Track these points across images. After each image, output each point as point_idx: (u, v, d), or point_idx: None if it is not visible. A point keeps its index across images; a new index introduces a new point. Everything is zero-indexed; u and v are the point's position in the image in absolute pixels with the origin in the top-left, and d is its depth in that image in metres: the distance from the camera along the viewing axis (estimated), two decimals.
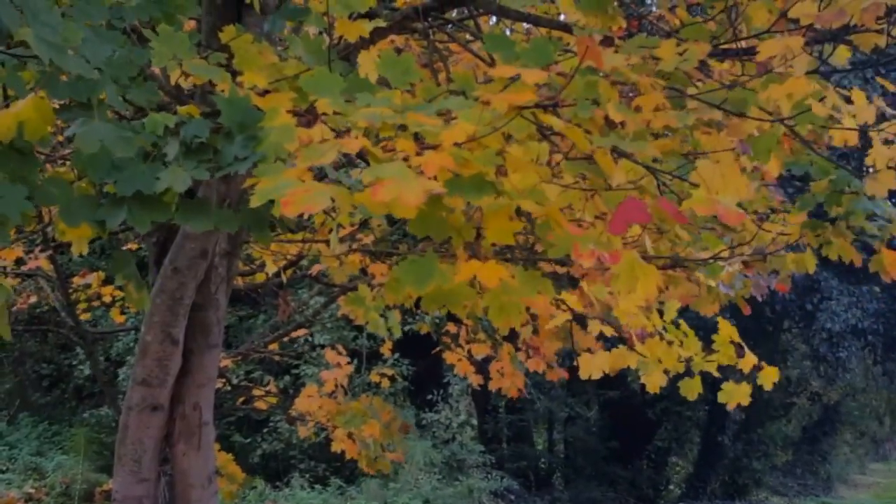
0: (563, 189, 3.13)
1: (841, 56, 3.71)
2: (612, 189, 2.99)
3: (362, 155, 3.16)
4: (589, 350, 5.44)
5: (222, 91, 2.60)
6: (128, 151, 2.32)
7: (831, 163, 4.68)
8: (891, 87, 4.26)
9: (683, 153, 3.33)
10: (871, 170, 4.13)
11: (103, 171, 2.33)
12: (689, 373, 5.45)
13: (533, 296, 2.75)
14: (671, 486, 26.75)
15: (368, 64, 3.31)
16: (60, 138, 6.95)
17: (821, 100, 3.50)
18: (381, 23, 3.71)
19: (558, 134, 2.98)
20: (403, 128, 2.27)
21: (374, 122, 2.18)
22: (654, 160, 3.17)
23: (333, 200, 2.15)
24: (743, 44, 3.61)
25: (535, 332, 6.95)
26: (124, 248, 8.05)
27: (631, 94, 3.11)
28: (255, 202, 2.15)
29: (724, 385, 5.33)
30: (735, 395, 5.29)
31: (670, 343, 5.36)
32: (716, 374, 5.41)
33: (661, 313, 5.48)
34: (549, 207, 2.49)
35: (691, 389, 5.44)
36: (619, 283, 3.19)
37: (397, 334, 6.83)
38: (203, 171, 2.32)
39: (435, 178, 2.19)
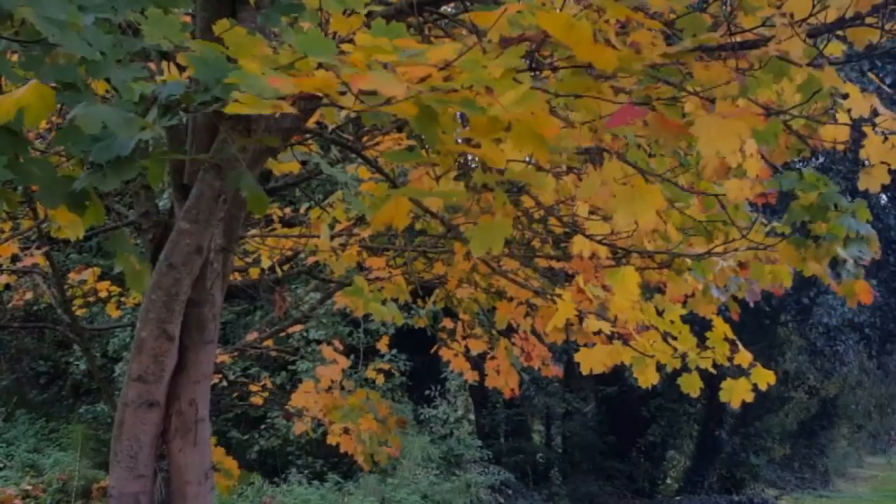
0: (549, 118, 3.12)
1: (834, 50, 3.71)
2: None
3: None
4: (586, 345, 5.44)
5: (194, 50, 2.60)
6: (131, 132, 2.32)
7: (822, 176, 4.69)
8: (879, 82, 4.26)
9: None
10: (865, 164, 4.13)
11: (85, 143, 2.32)
12: (686, 369, 5.45)
13: (525, 178, 2.70)
14: (668, 481, 26.82)
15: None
16: (56, 134, 6.94)
17: (817, 91, 3.50)
18: (375, 8, 3.71)
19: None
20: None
21: (366, 47, 2.16)
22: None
23: (322, 95, 2.11)
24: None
25: (533, 330, 6.96)
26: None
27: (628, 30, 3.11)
28: (230, 110, 2.11)
29: (724, 383, 5.32)
30: (736, 392, 5.29)
31: (665, 338, 5.37)
32: (711, 371, 5.42)
33: (658, 312, 5.49)
34: (537, 112, 2.44)
35: (692, 385, 5.44)
36: (618, 216, 3.17)
37: (399, 322, 6.84)
38: (175, 119, 2.31)
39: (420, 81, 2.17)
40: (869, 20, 3.37)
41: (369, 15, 3.67)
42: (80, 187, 2.42)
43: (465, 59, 2.21)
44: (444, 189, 2.65)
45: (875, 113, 3.86)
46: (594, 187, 3.30)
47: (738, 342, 5.42)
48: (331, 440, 7.93)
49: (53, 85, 2.46)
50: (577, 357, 5.37)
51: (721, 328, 5.41)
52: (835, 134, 4.01)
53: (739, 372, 5.35)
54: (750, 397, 5.27)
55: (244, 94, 2.15)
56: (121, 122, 2.34)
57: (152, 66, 3.98)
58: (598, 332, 5.22)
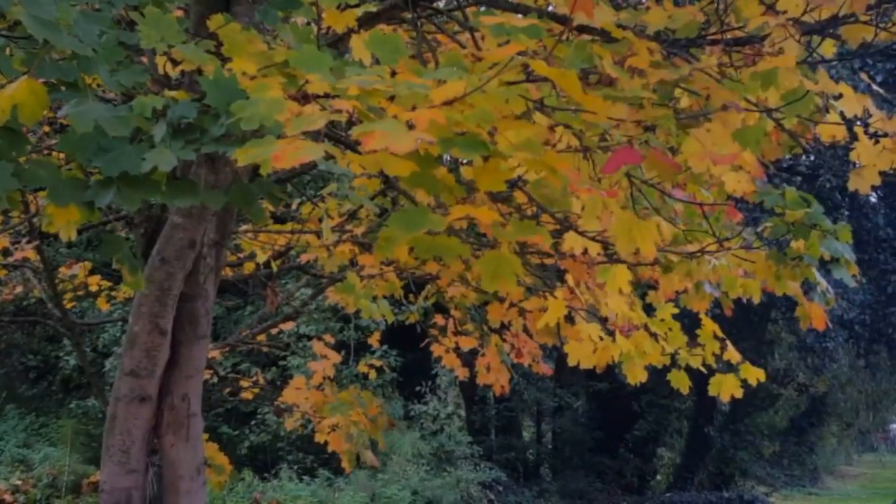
0: (556, 154, 3.13)
1: (827, 49, 3.72)
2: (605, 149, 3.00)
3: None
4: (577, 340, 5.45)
5: (208, 72, 2.59)
6: (122, 131, 2.32)
7: (808, 195, 4.72)
8: (870, 81, 4.26)
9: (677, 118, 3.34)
10: (855, 165, 4.13)
11: (90, 152, 2.32)
12: (675, 365, 5.48)
13: (527, 237, 2.75)
14: (658, 477, 26.87)
15: (361, 48, 3.30)
16: (47, 129, 6.92)
17: (805, 95, 3.50)
18: (371, 7, 3.70)
19: (547, 108, 2.98)
20: (393, 100, 2.26)
21: (364, 87, 2.17)
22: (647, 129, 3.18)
23: (327, 155, 2.13)
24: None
25: (525, 329, 6.95)
26: (117, 234, 8.03)
27: (626, 56, 3.13)
28: (241, 162, 2.13)
29: (714, 378, 5.36)
30: (725, 387, 5.32)
31: (655, 337, 5.39)
32: (701, 370, 5.46)
33: (647, 308, 5.51)
34: (545, 154, 2.48)
35: (681, 382, 5.47)
36: (618, 244, 3.21)
37: (390, 319, 6.85)
38: (189, 152, 2.31)
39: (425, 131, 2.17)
40: (863, 17, 3.38)
41: (359, 6, 3.66)
42: (101, 204, 2.41)
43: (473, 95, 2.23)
44: (447, 242, 2.65)
45: (868, 114, 3.87)
46: (597, 211, 3.32)
47: (726, 340, 5.45)
48: (318, 438, 7.93)
49: (51, 81, 2.46)
50: (567, 349, 5.39)
51: (710, 326, 5.44)
52: (832, 131, 4.02)
53: (729, 369, 5.39)
54: (739, 392, 5.31)
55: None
56: (112, 121, 2.34)
57: (144, 59, 3.98)
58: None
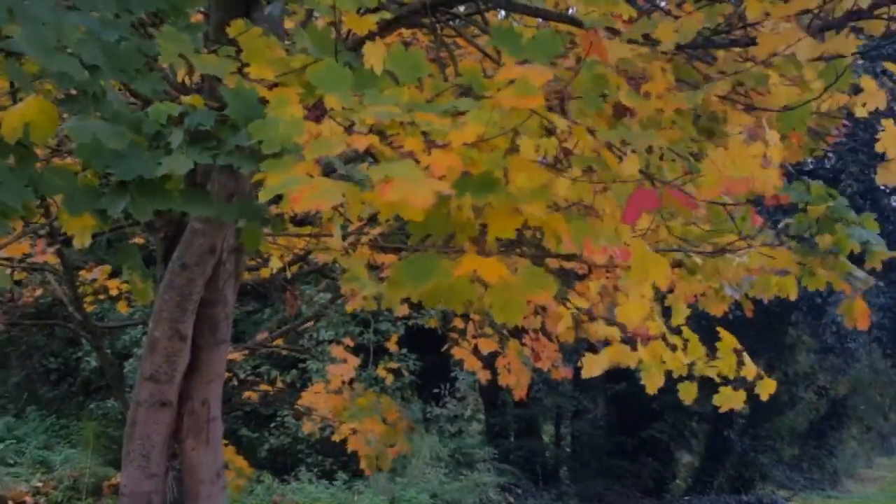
0: (572, 182, 3.12)
1: (844, 47, 3.67)
2: (621, 182, 2.99)
3: (369, 149, 3.17)
4: (594, 344, 5.43)
5: (229, 85, 2.60)
6: (120, 143, 2.31)
7: (832, 189, 4.68)
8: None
9: (693, 139, 3.34)
10: (882, 158, 4.05)
11: (106, 158, 2.33)
12: (690, 375, 5.46)
13: (536, 293, 2.73)
14: (678, 481, 26.76)
15: (374, 55, 3.30)
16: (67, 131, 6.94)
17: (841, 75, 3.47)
18: (387, 15, 3.70)
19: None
20: (412, 125, 2.25)
21: (382, 120, 2.17)
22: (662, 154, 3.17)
23: (343, 196, 2.13)
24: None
25: (544, 330, 6.93)
26: (131, 242, 8.05)
27: (640, 80, 3.11)
28: (263, 197, 2.14)
29: (722, 389, 5.35)
30: (731, 400, 5.32)
31: (674, 348, 5.37)
32: (717, 380, 5.44)
33: (666, 315, 5.48)
34: (550, 216, 2.49)
35: (689, 393, 5.45)
36: (631, 275, 3.19)
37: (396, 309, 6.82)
38: (206, 156, 2.31)
39: (442, 177, 2.17)
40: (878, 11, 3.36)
41: (377, 11, 3.66)
42: (114, 213, 2.42)
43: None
44: (457, 287, 2.64)
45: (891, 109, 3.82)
46: (607, 234, 3.31)
47: (744, 353, 5.44)
48: (336, 437, 7.95)
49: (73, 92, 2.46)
50: (584, 362, 5.38)
51: (729, 340, 5.43)
52: (869, 104, 3.90)
53: (744, 380, 5.38)
54: (739, 405, 5.30)
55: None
56: (111, 135, 2.34)
57: (164, 66, 3.99)
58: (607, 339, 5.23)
